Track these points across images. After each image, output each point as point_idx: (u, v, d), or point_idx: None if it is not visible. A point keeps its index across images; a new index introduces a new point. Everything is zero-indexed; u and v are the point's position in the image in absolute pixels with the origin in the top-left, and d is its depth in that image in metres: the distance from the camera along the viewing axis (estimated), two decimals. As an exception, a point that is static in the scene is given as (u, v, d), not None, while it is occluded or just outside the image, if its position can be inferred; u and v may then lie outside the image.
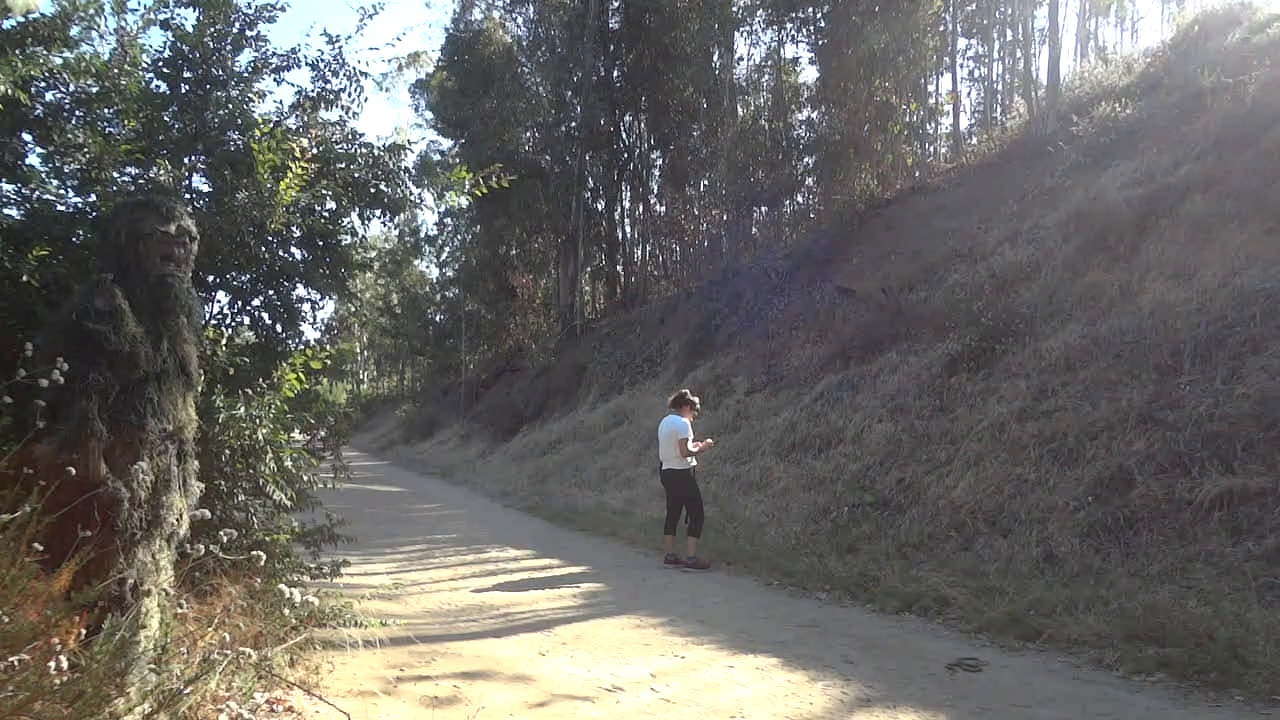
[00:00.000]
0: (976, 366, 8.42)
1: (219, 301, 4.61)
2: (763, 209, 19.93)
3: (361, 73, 4.96)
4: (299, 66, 4.89)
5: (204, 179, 4.62)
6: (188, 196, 4.48)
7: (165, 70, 4.50)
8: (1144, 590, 4.87)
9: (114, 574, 2.60)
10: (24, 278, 3.50)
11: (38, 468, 2.47)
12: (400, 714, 3.51)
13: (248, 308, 4.68)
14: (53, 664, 2.11)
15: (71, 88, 4.15)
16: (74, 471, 2.52)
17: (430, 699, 3.72)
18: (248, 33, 4.65)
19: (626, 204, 27.34)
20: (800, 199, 19.53)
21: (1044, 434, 6.76)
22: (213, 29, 4.50)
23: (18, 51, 3.77)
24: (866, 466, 8.19)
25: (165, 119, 4.42)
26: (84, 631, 2.31)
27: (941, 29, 16.51)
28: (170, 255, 2.99)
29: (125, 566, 2.66)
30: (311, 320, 4.99)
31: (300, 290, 4.81)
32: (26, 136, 4.06)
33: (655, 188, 25.96)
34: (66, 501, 2.48)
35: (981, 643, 4.85)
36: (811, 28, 18.80)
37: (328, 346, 4.62)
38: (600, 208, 26.49)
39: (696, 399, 8.34)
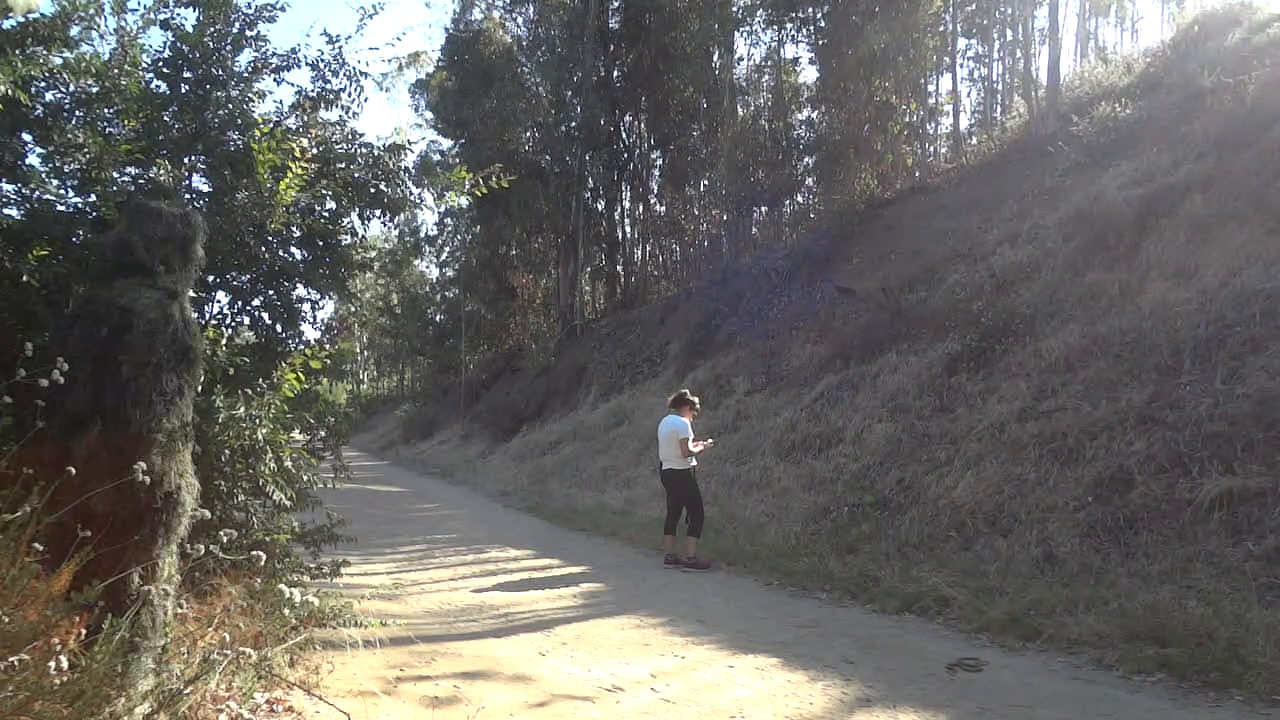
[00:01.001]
0: (976, 366, 8.42)
1: (219, 301, 4.60)
2: (763, 209, 19.92)
3: (361, 73, 4.96)
4: (299, 66, 4.89)
5: (204, 179, 4.62)
6: (188, 196, 4.48)
7: (165, 70, 4.50)
8: (1144, 590, 4.87)
9: (161, 571, 2.69)
10: (24, 278, 3.50)
11: (102, 467, 2.52)
12: (400, 714, 3.51)
13: (248, 308, 4.67)
14: (53, 664, 2.11)
15: (71, 88, 4.15)
16: (145, 478, 2.55)
17: (430, 699, 3.72)
18: (248, 33, 4.65)
19: (626, 204, 27.36)
20: (800, 199, 19.53)
21: (1044, 434, 6.76)
22: (213, 29, 4.49)
23: (18, 51, 3.76)
24: (866, 466, 8.20)
25: (165, 119, 4.42)
26: (84, 631, 2.31)
27: (941, 29, 16.50)
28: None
29: (173, 562, 2.76)
30: (311, 320, 5.00)
31: (300, 290, 4.81)
32: (26, 136, 4.05)
33: (655, 188, 25.96)
34: (124, 502, 2.54)
35: (981, 643, 4.85)
36: (811, 28, 18.80)
37: (327, 346, 4.62)
38: (600, 208, 26.49)
39: (696, 399, 8.34)
